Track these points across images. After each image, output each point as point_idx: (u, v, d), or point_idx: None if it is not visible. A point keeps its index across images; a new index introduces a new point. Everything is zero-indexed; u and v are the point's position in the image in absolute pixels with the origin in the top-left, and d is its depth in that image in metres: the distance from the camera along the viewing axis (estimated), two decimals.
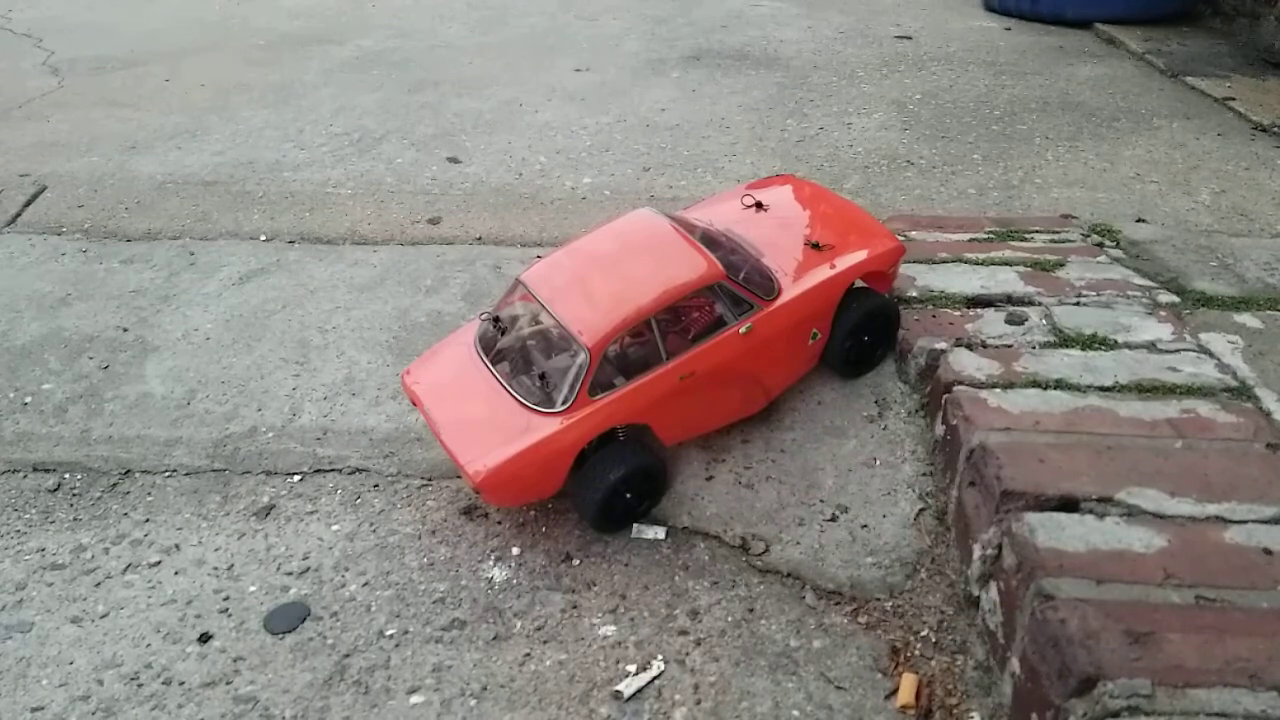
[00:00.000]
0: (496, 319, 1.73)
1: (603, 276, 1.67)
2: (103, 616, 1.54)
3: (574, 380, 1.56)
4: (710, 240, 1.83)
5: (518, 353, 1.70)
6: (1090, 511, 1.41)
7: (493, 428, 1.58)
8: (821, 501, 1.72)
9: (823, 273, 1.82)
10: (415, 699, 1.40)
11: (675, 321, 1.69)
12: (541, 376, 1.62)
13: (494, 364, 1.68)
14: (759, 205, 1.99)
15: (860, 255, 1.87)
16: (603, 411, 1.58)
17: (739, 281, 1.71)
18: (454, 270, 2.48)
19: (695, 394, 1.69)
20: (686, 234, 1.75)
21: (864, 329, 1.90)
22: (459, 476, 1.78)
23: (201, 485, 1.81)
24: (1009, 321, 1.95)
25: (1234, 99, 3.60)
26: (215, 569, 1.63)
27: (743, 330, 1.69)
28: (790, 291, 1.77)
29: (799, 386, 1.94)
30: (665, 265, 1.67)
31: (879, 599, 1.54)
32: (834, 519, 1.68)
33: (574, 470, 1.61)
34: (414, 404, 1.72)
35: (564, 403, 1.57)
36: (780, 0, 5.22)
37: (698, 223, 1.90)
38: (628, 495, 1.64)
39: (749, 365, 1.74)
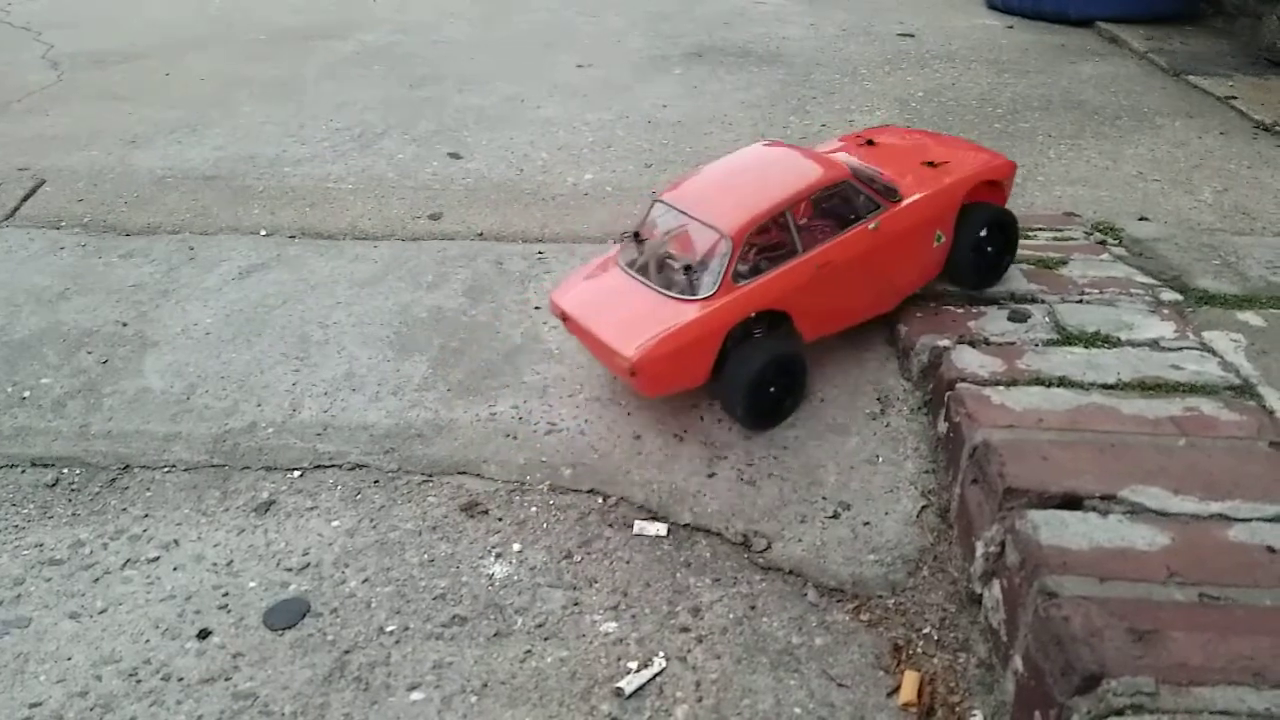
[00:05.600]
0: (637, 234, 1.84)
1: (739, 181, 1.84)
2: (101, 612, 1.54)
3: (718, 269, 1.68)
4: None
5: (662, 258, 1.80)
6: (1093, 509, 1.41)
7: (644, 320, 1.69)
8: (824, 498, 1.71)
9: (941, 179, 1.97)
10: (416, 695, 1.39)
11: (809, 218, 1.84)
12: (686, 268, 1.73)
13: (640, 273, 1.79)
14: (870, 143, 2.14)
15: (975, 166, 2.02)
16: (747, 296, 1.70)
17: (865, 184, 1.83)
18: (455, 266, 2.48)
19: (831, 285, 1.80)
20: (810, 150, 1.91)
21: (987, 240, 2.01)
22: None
23: (201, 481, 1.81)
24: (1012, 319, 1.95)
25: (1236, 98, 3.59)
26: (214, 565, 1.62)
27: (871, 226, 1.83)
28: (912, 195, 1.90)
29: None
30: (795, 168, 1.84)
31: (881, 596, 1.54)
32: (836, 516, 1.68)
33: (718, 371, 1.72)
34: (562, 320, 1.85)
35: (710, 289, 1.68)
36: None
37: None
38: (771, 389, 1.74)
39: (879, 261, 1.87)
